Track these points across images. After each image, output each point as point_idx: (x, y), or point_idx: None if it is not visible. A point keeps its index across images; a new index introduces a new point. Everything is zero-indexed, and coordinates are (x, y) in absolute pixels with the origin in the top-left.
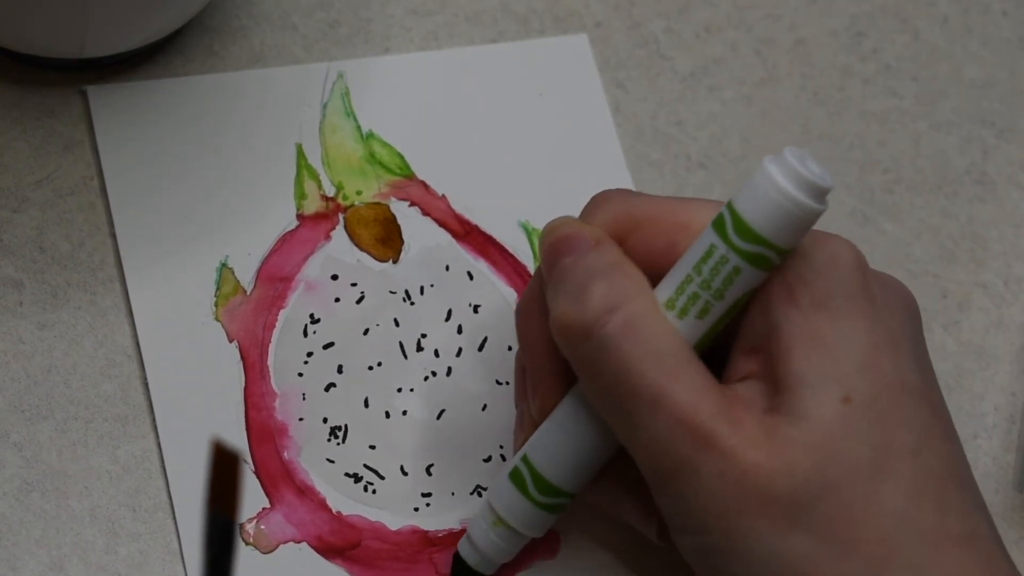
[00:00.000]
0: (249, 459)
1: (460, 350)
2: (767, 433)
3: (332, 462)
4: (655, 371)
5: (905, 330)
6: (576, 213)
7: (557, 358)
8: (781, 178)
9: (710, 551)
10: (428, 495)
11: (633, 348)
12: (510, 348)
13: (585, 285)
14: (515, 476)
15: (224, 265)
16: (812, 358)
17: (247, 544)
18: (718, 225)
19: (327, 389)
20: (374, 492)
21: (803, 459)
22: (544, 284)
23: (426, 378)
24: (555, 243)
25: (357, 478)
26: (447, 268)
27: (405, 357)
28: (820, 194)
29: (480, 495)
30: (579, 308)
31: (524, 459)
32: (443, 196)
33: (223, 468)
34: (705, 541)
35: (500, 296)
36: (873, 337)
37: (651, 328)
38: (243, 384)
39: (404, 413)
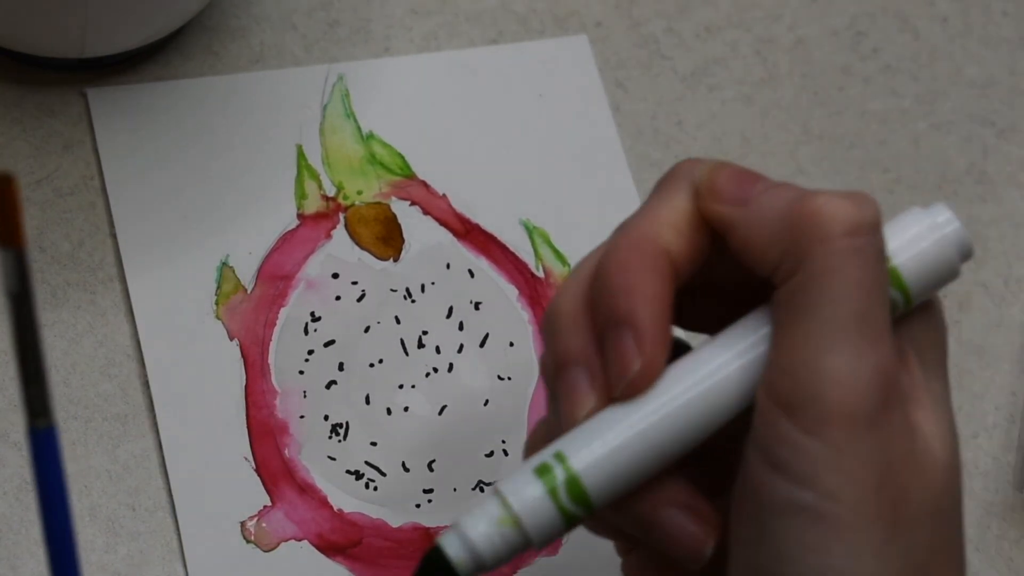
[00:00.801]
0: (250, 456)
1: (461, 346)
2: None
3: (333, 459)
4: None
5: None
6: (576, 212)
7: (668, 320)
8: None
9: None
10: (430, 491)
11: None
12: (511, 344)
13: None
14: (543, 472)
15: (224, 264)
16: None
17: (248, 542)
18: None
19: (328, 387)
20: (375, 489)
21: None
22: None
23: (427, 374)
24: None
25: (358, 475)
26: (448, 266)
27: (406, 354)
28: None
29: (483, 490)
30: (862, 208)
31: (558, 455)
32: (444, 195)
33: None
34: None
35: (501, 293)
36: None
37: None
38: (244, 382)
39: (406, 410)
